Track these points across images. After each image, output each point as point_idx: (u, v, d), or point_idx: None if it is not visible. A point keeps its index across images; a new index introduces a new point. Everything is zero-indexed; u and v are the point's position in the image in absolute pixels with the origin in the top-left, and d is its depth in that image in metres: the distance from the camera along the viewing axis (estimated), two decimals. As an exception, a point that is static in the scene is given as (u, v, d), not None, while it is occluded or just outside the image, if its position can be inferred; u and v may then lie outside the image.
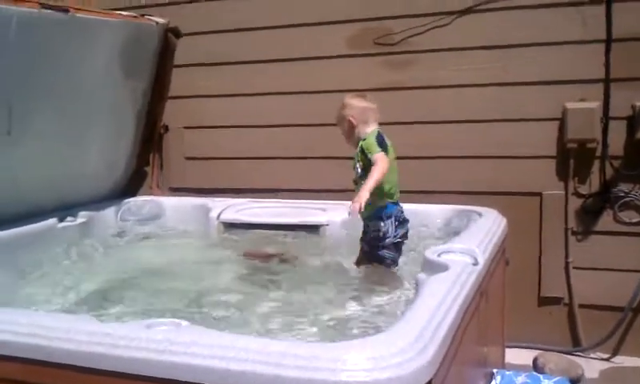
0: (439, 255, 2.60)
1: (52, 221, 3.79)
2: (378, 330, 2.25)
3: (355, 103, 3.16)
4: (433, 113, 4.42)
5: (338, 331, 2.38)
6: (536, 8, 4.12)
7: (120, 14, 4.11)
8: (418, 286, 2.37)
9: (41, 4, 3.43)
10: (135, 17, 4.15)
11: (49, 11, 3.44)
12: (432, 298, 2.10)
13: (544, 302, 4.27)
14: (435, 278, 2.32)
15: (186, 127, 5.00)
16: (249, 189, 4.66)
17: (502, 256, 3.29)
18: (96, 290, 3.09)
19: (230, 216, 3.97)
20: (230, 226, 3.93)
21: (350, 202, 2.88)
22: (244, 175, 4.83)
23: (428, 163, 4.42)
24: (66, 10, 3.57)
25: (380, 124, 4.38)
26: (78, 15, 3.64)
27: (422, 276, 2.44)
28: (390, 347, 1.74)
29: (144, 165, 4.65)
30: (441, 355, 1.85)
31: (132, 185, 4.56)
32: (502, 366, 3.65)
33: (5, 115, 3.40)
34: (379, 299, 2.75)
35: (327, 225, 3.58)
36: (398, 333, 1.84)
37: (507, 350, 3.81)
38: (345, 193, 4.20)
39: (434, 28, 4.33)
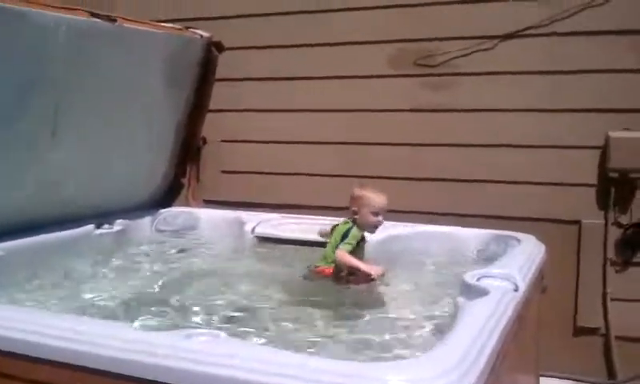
0: (478, 279, 2.56)
1: (89, 227, 3.84)
2: (413, 352, 2.22)
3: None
4: (472, 136, 4.38)
5: (378, 350, 2.35)
6: (580, 35, 4.07)
7: (165, 26, 4.17)
8: (456, 309, 2.35)
9: (90, 13, 3.51)
10: (180, 29, 4.20)
11: (97, 20, 3.52)
12: (473, 323, 2.06)
13: (580, 331, 4.17)
14: (476, 303, 2.29)
15: (223, 141, 5.02)
16: (282, 204, 4.66)
17: (539, 283, 3.24)
18: (131, 298, 3.09)
19: (265, 230, 3.96)
20: (264, 239, 3.92)
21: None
22: (278, 191, 4.83)
23: (463, 186, 4.40)
24: (114, 20, 3.64)
25: (416, 145, 4.45)
26: (125, 25, 3.70)
27: (460, 299, 2.41)
28: (431, 370, 1.72)
29: (181, 176, 4.68)
30: (482, 381, 1.82)
31: (168, 195, 4.59)
32: (536, 395, 3.59)
33: (51, 115, 3.47)
34: (408, 322, 2.71)
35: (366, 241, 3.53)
36: (440, 356, 1.81)
37: (541, 379, 3.75)
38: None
39: (476, 51, 4.32)
